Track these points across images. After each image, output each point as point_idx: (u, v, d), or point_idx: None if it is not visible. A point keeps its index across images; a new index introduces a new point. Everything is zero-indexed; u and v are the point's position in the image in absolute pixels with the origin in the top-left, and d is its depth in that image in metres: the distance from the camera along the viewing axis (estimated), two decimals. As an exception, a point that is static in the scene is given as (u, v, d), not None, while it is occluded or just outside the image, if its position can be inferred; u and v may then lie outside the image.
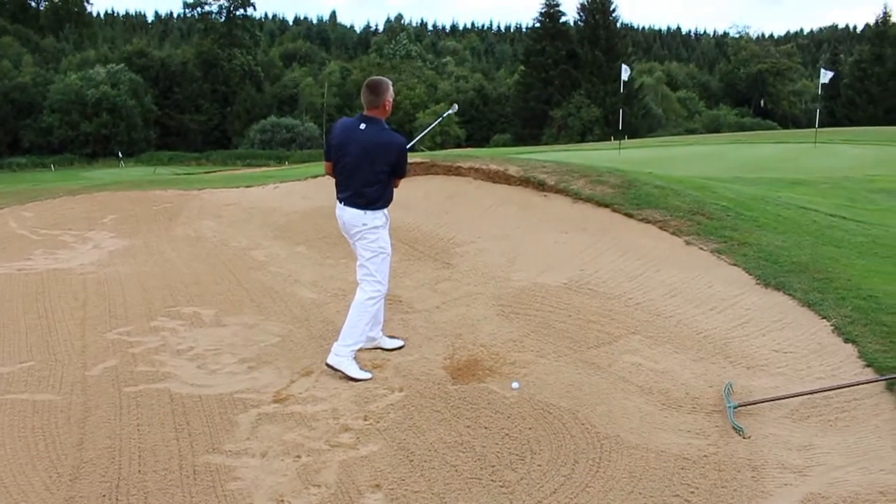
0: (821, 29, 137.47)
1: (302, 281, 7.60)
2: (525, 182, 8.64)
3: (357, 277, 5.50)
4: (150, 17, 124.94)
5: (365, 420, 4.60)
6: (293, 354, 5.66)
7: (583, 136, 68.38)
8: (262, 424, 4.54)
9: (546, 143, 62.26)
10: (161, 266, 8.25)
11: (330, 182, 5.72)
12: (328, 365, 5.27)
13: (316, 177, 12.02)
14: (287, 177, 13.51)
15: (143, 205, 11.67)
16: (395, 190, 5.53)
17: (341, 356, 5.25)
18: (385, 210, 5.44)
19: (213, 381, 5.18)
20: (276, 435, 4.41)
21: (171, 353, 5.69)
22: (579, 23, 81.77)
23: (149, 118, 76.66)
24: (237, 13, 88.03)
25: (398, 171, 5.39)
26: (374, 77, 5.50)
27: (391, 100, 5.38)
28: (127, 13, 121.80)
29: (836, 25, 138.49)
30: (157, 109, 77.94)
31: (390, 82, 5.48)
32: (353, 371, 5.22)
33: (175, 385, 5.09)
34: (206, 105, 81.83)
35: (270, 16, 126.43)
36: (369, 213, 5.32)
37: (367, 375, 5.22)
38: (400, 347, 5.73)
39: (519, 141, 70.24)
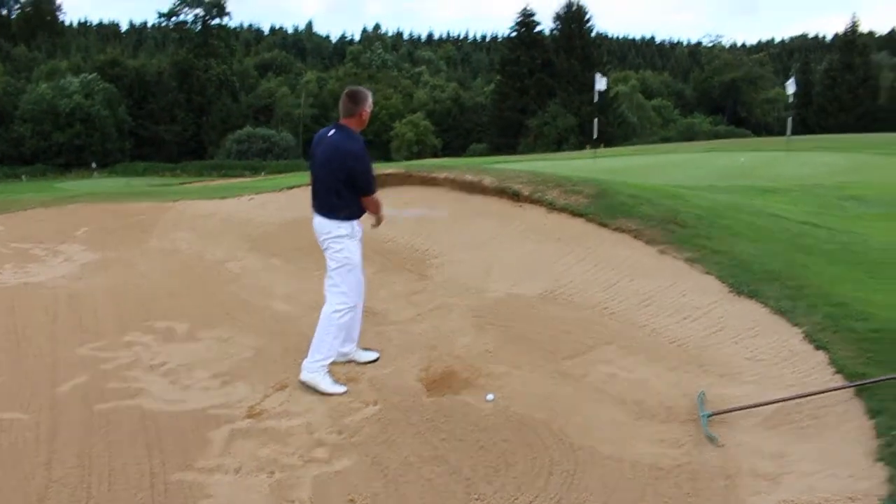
0: (792, 38, 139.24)
1: (277, 293, 7.56)
2: (500, 192, 8.66)
3: (324, 289, 5.48)
4: (125, 27, 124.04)
5: (339, 434, 4.58)
6: (267, 368, 5.62)
7: (559, 144, 68.66)
8: (236, 440, 4.50)
9: (522, 152, 62.49)
10: (134, 279, 8.18)
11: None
12: (301, 382, 5.24)
13: (291, 188, 11.97)
14: (263, 188, 13.45)
15: (117, 217, 11.57)
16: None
17: (313, 372, 5.22)
18: (353, 221, 5.36)
19: (186, 397, 5.13)
20: (249, 451, 4.37)
21: (143, 368, 5.63)
22: (555, 32, 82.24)
23: (123, 128, 75.94)
24: (212, 23, 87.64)
25: (354, 182, 5.25)
26: (355, 87, 5.49)
27: (368, 111, 5.36)
28: (100, 22, 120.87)
29: (807, 34, 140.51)
30: (131, 119, 77.22)
31: (370, 93, 5.45)
32: (326, 385, 5.18)
33: (147, 401, 5.04)
34: (182, 115, 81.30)
35: (246, 25, 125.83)
36: (334, 221, 5.30)
37: (341, 389, 5.19)
38: (375, 360, 5.71)
39: (495, 150, 70.40)
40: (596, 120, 38.81)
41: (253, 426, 4.69)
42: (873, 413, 4.25)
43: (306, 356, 5.29)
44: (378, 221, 5.62)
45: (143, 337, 6.32)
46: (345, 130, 5.29)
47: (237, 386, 5.31)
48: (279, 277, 8.11)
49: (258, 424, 4.71)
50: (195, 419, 4.78)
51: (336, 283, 5.37)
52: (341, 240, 5.32)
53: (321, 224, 5.35)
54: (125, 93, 77.93)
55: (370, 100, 5.38)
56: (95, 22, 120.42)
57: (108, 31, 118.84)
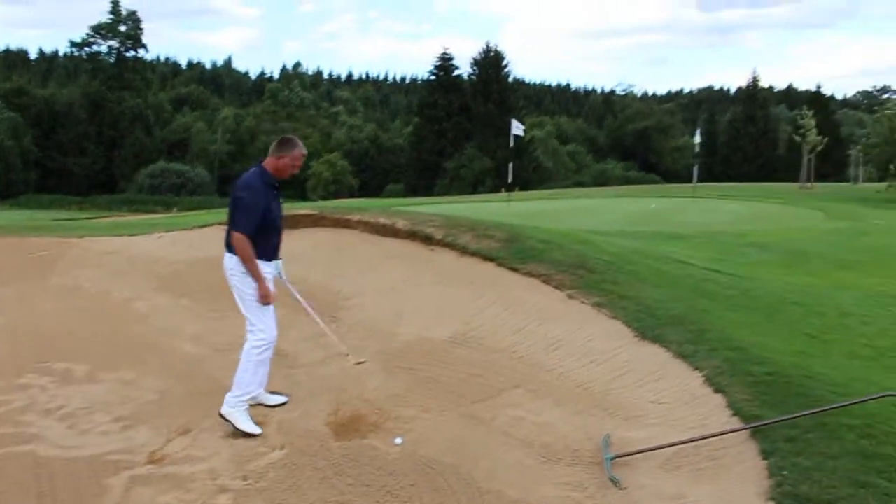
0: (699, 90, 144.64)
1: (185, 334, 7.41)
2: (413, 236, 8.71)
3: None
4: (34, 55, 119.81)
5: (244, 480, 4.49)
6: (171, 412, 5.49)
7: (475, 187, 69.43)
8: (135, 487, 4.37)
9: (439, 194, 63.01)
10: (33, 318, 7.88)
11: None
12: (220, 415, 5.17)
13: (204, 226, 11.77)
14: (174, 225, 13.19)
15: (17, 252, 11.15)
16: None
17: (231, 407, 5.17)
18: (255, 260, 5.25)
19: (84, 442, 4.95)
20: (149, 498, 4.24)
21: (38, 412, 5.41)
22: (472, 77, 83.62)
23: (28, 159, 73.32)
24: (128, 55, 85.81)
25: (234, 211, 5.21)
26: (291, 136, 5.50)
27: (289, 161, 5.32)
28: (7, 49, 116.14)
29: (713, 87, 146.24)
30: (37, 150, 74.66)
31: (301, 148, 5.42)
32: (242, 422, 5.12)
33: (41, 447, 4.84)
34: (92, 147, 78.93)
35: (163, 59, 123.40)
36: (234, 258, 5.26)
37: (256, 430, 5.12)
38: (283, 403, 5.64)
39: (412, 191, 70.81)
40: (511, 164, 39.53)
41: (154, 472, 4.56)
42: (766, 454, 4.41)
43: (229, 391, 5.22)
44: (260, 294, 5.26)
45: (40, 379, 6.08)
46: (259, 168, 5.33)
47: (139, 430, 5.17)
48: (188, 318, 7.94)
49: (159, 470, 4.58)
50: (92, 466, 4.61)
51: (251, 322, 5.33)
52: (242, 277, 5.26)
53: (226, 260, 5.31)
54: (32, 122, 75.34)
55: (296, 152, 5.36)
56: (1, 48, 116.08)
57: (15, 59, 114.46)
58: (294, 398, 5.73)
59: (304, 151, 5.50)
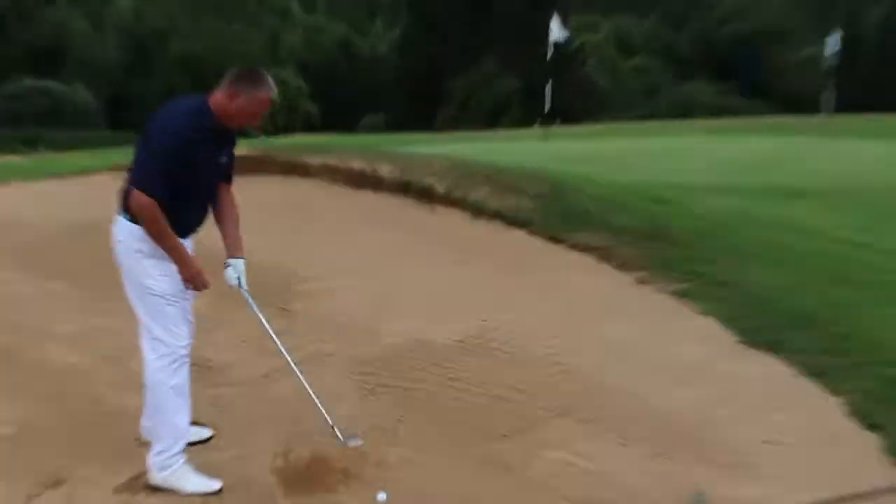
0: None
1: (57, 335, 7.41)
2: (403, 188, 8.69)
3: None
4: None
5: (143, 556, 4.47)
6: (37, 453, 5.45)
7: (495, 118, 69.47)
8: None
9: (441, 129, 62.93)
10: None
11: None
12: (152, 487, 5.06)
13: (85, 172, 11.73)
14: (39, 171, 13.16)
15: None
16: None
17: (163, 469, 5.06)
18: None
19: None
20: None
21: None
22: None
23: None
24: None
25: (141, 159, 4.97)
26: (261, 69, 5.21)
27: (248, 107, 5.03)
28: None
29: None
30: None
31: (271, 91, 5.12)
32: (190, 484, 5.04)
33: None
34: (-82, 58, 79.20)
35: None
36: (128, 225, 5.01)
37: (216, 486, 5.04)
38: (207, 440, 5.61)
39: (401, 125, 70.71)
40: (549, 84, 39.37)
41: (9, 545, 4.53)
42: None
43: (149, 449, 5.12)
44: (190, 274, 5.17)
45: None
46: (199, 101, 5.06)
47: (-13, 481, 5.13)
48: (62, 310, 7.95)
49: (17, 541, 4.56)
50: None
51: (146, 327, 5.14)
52: (136, 256, 5.08)
53: (116, 228, 5.08)
54: None
55: (263, 94, 5.04)
56: None
57: None
58: (223, 432, 5.70)
59: (274, 95, 5.22)
